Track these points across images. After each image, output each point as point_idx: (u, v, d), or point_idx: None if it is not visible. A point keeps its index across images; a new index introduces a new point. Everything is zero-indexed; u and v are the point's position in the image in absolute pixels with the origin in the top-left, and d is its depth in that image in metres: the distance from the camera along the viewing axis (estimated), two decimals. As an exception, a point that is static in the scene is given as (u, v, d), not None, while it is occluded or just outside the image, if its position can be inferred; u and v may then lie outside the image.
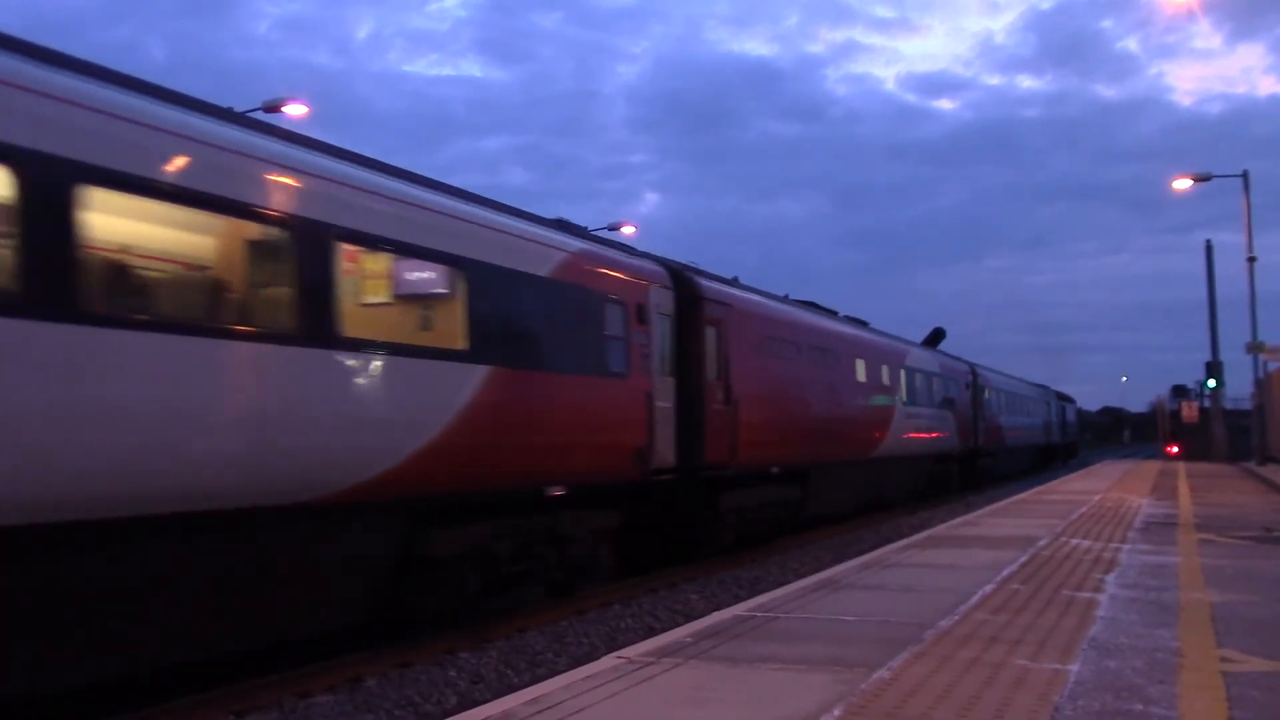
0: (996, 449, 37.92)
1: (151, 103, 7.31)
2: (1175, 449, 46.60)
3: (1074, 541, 12.45)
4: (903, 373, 25.68)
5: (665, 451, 13.56)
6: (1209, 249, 39.07)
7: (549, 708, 5.15)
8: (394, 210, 9.22)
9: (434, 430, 9.31)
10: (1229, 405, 42.47)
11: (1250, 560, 10.72)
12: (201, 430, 7.20)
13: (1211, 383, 39.05)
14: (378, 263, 9.39)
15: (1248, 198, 34.17)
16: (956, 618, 7.45)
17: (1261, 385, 35.78)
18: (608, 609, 11.91)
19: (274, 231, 8.04)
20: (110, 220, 6.87)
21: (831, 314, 23.17)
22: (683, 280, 14.84)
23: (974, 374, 34.65)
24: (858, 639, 6.78)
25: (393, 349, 9.08)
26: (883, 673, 5.76)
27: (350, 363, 8.55)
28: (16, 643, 6.42)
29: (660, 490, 13.85)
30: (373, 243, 9.04)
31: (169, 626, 7.37)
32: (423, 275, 9.80)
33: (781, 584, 10.93)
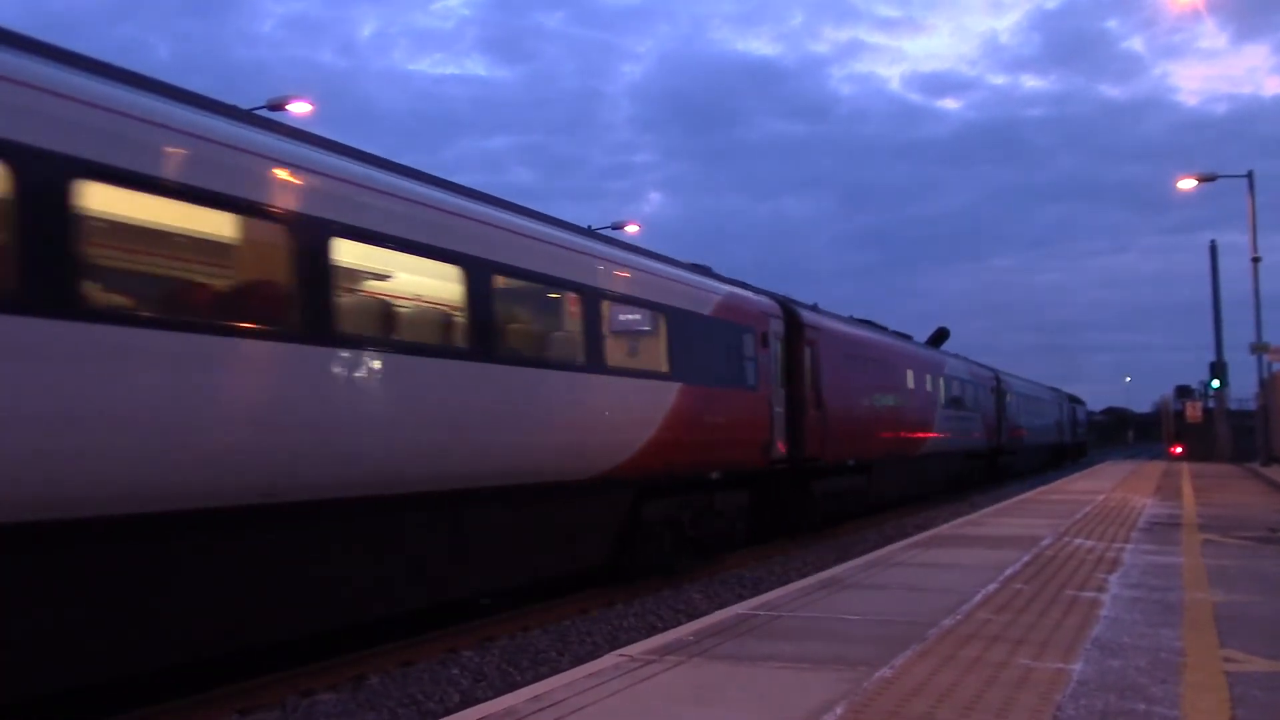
0: (1016, 448, 41.25)
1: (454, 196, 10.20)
2: (1179, 449, 46.58)
3: (1077, 541, 12.45)
4: (941, 380, 29.30)
5: (780, 446, 17.02)
6: (1213, 249, 39.07)
7: (551, 705, 5.16)
8: (630, 274, 13.01)
9: (650, 431, 12.78)
10: (1233, 406, 42.51)
11: (1254, 560, 10.71)
12: (545, 431, 10.76)
13: (1216, 383, 39.06)
14: (619, 309, 12.84)
15: (1253, 198, 34.16)
16: (959, 617, 7.45)
17: (1266, 386, 35.73)
18: (610, 608, 11.92)
19: (574, 296, 11.71)
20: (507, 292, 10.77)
21: (883, 329, 26.64)
22: (789, 310, 18.40)
23: (998, 380, 38.12)
24: (860, 638, 6.78)
25: (632, 372, 12.74)
26: (885, 671, 5.77)
27: (613, 382, 12.14)
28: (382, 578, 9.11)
29: (774, 477, 17.15)
30: (617, 298, 12.62)
31: (502, 559, 10.64)
32: (641, 317, 13.46)
33: (784, 583, 10.94)
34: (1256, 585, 8.98)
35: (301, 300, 7.98)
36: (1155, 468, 36.40)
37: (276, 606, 8.04)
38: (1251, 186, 34.26)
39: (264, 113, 18.44)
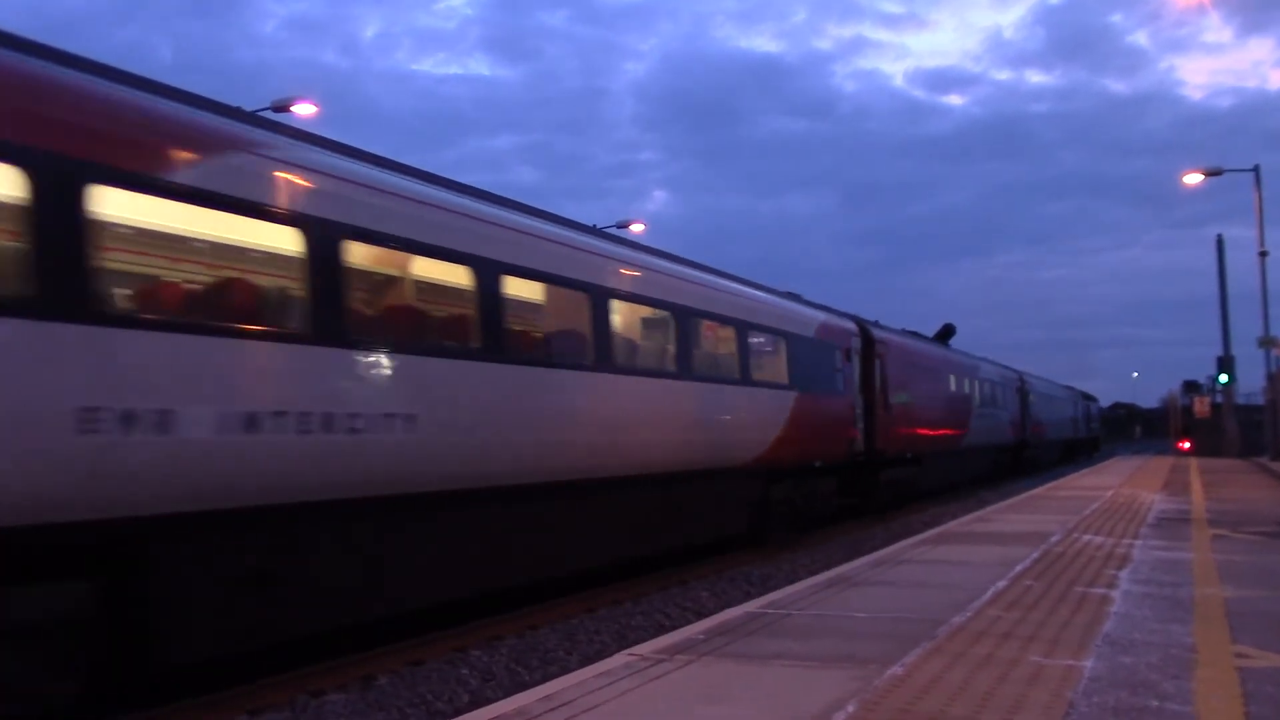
0: (1038, 442, 45.09)
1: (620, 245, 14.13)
2: (1187, 444, 46.47)
3: (1087, 537, 12.42)
4: (977, 383, 32.97)
5: (860, 442, 20.55)
6: (1220, 244, 39.00)
7: (562, 705, 5.15)
8: (758, 306, 16.64)
9: (777, 430, 16.46)
10: (1241, 400, 42.39)
11: (1264, 556, 10.67)
12: (710, 433, 14.37)
13: (1223, 378, 38.92)
14: (756, 336, 16.27)
15: (1259, 192, 34.05)
16: (969, 614, 7.43)
17: (1273, 380, 35.62)
18: (618, 606, 11.90)
19: (731, 329, 15.41)
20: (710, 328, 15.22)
21: (923, 337, 30.04)
22: (863, 328, 21.86)
23: (1022, 381, 41.84)
24: (870, 635, 6.76)
25: (768, 385, 16.43)
26: (896, 669, 5.75)
27: (756, 392, 15.95)
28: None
29: (855, 468, 20.66)
30: (758, 329, 16.31)
31: (699, 520, 14.67)
32: (769, 339, 16.97)
33: (792, 581, 10.92)
34: (1267, 580, 8.95)
35: (611, 342, 12.18)
36: (1163, 463, 36.33)
37: (581, 546, 11.87)
38: (1258, 180, 34.18)
39: (268, 114, 18.46)
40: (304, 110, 23.42)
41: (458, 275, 9.90)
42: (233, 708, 7.71)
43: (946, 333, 36.86)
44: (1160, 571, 9.51)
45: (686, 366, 13.74)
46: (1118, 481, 24.92)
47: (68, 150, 6.43)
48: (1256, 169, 34.35)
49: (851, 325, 21.18)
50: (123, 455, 6.45)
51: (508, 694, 6.91)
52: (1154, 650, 6.19)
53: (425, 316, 10.14)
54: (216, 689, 7.94)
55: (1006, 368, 39.86)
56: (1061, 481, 26.59)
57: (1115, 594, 8.26)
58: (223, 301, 7.98)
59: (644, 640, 7.69)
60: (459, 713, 7.62)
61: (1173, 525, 13.85)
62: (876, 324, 23.61)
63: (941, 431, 27.52)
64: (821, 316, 19.68)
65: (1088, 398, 75.00)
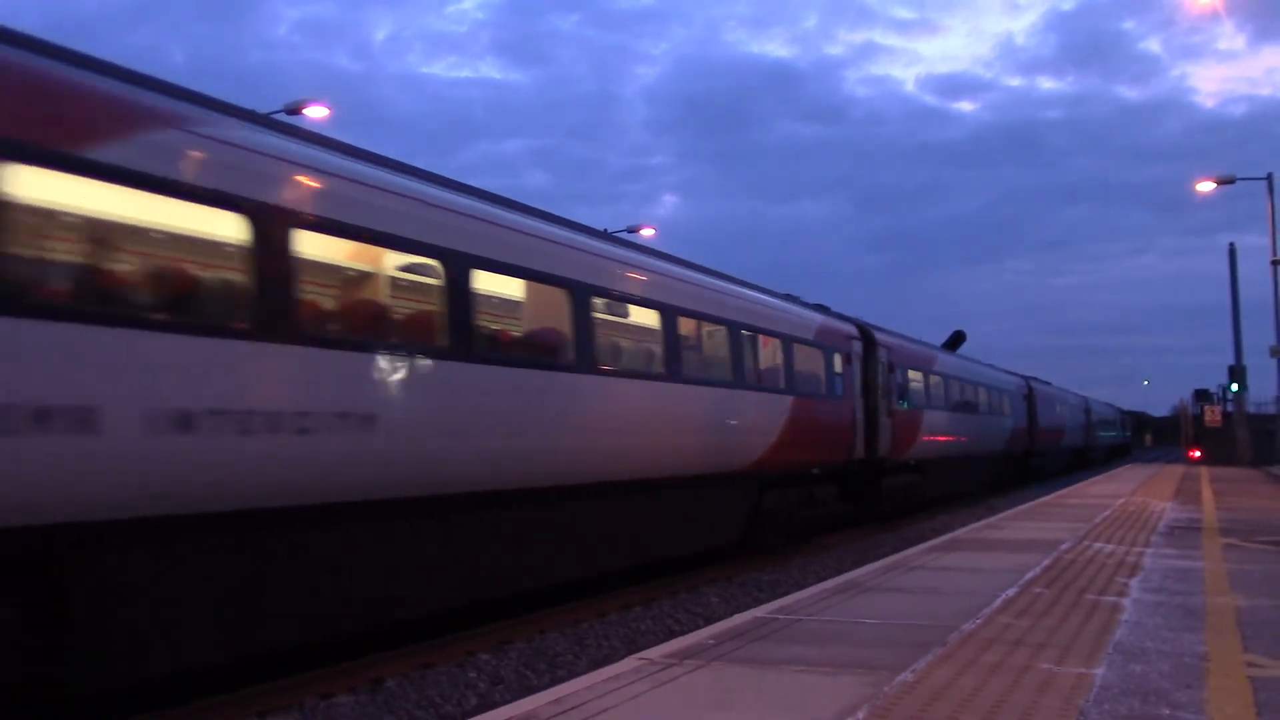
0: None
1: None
2: (1198, 453, 46.27)
3: (1097, 545, 12.38)
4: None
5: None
6: (1232, 252, 38.81)
7: (573, 708, 5.15)
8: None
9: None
10: (1252, 409, 42.18)
11: (1276, 565, 10.62)
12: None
13: (1235, 386, 38.78)
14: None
15: (1272, 200, 33.93)
16: (980, 621, 7.41)
17: (1285, 389, 35.45)
18: (628, 611, 11.89)
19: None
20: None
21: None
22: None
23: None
24: (881, 642, 6.75)
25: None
26: (907, 676, 5.74)
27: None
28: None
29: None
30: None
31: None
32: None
33: (802, 587, 10.91)
34: (1279, 590, 8.91)
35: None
36: (1174, 471, 36.18)
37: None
38: (1271, 189, 34.05)
39: (282, 117, 18.53)
40: (316, 113, 23.50)
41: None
42: (241, 710, 7.72)
43: (957, 340, 36.83)
44: (1171, 580, 9.47)
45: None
46: (1128, 490, 24.83)
47: None
48: (1269, 177, 34.23)
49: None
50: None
51: (516, 697, 6.91)
52: (1165, 659, 6.17)
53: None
54: (225, 691, 7.96)
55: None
56: (1072, 489, 26.50)
57: (1126, 602, 8.23)
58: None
59: (654, 645, 7.68)
60: (467, 715, 7.63)
61: (1184, 534, 13.79)
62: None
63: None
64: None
65: (1124, 412, 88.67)
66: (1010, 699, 5.23)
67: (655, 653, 6.54)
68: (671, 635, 9.82)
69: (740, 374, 15.08)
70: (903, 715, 4.95)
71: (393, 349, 8.57)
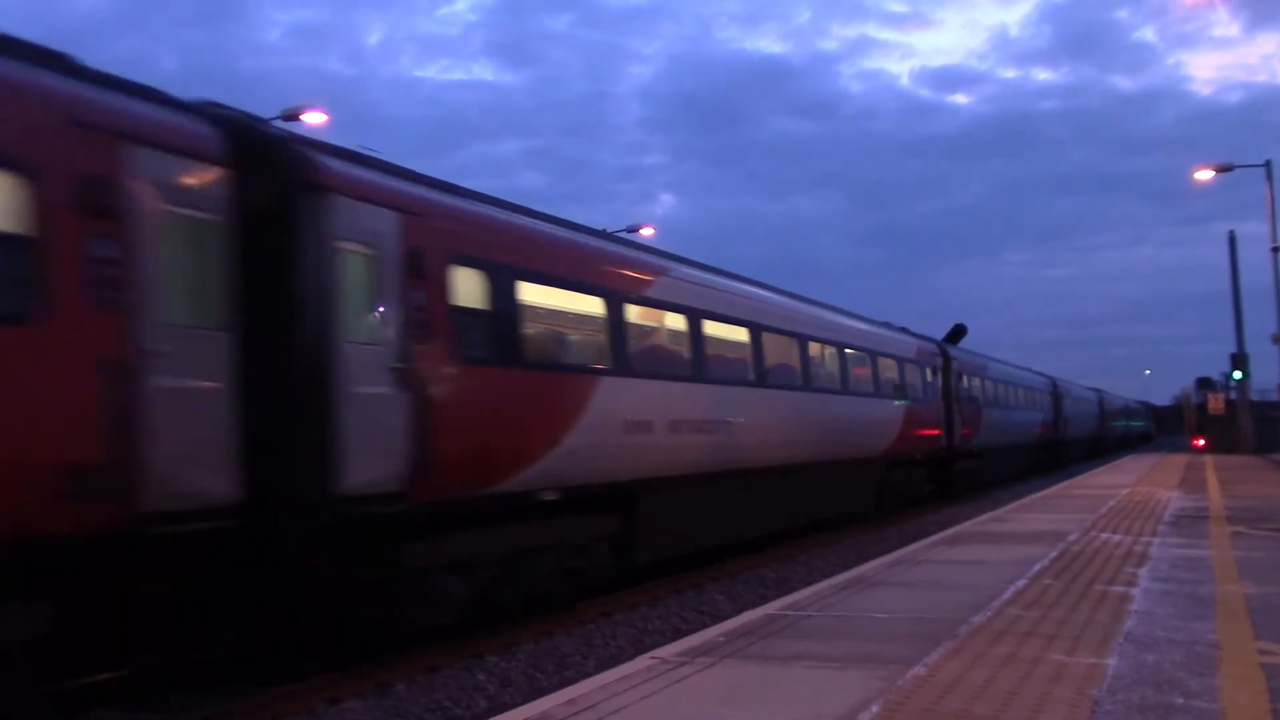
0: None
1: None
2: (1201, 442, 46.24)
3: (1104, 536, 12.35)
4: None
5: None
6: (1232, 240, 38.78)
7: (586, 709, 5.13)
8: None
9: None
10: (1255, 397, 42.12)
11: (1284, 552, 10.60)
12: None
13: (1237, 374, 38.74)
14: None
15: (1270, 187, 33.87)
16: (989, 613, 7.39)
17: (1288, 376, 35.39)
18: (634, 610, 11.88)
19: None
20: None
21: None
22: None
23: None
24: (891, 636, 6.73)
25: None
26: (918, 669, 5.72)
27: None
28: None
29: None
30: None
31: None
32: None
33: (809, 583, 10.88)
34: (1288, 576, 8.88)
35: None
36: (1178, 460, 36.17)
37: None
38: (1270, 175, 33.98)
39: (278, 123, 18.50)
40: (314, 118, 23.48)
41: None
42: (252, 715, 7.71)
43: (958, 333, 36.72)
44: (1180, 569, 9.45)
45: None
46: (1133, 480, 24.81)
47: None
48: (1268, 164, 34.17)
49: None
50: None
51: (526, 699, 6.90)
52: (1177, 648, 6.15)
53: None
54: (235, 696, 7.94)
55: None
56: (1076, 480, 26.48)
57: (1135, 592, 8.21)
58: None
59: (661, 644, 7.67)
60: (477, 718, 7.63)
61: (1191, 522, 13.77)
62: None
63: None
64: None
65: (1140, 404, 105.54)
66: (1023, 690, 5.21)
67: (666, 651, 6.53)
68: (678, 634, 9.80)
69: (878, 386, 21.37)
70: (916, 708, 4.93)
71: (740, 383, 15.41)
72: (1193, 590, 8.25)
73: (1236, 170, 34.93)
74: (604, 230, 16.61)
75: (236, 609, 8.20)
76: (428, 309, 9.20)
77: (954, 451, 26.93)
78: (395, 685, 8.61)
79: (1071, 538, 12.17)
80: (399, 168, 9.92)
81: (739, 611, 9.28)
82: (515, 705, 6.39)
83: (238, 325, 7.80)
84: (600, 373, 11.84)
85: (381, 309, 8.83)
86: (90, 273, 6.75)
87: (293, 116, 22.92)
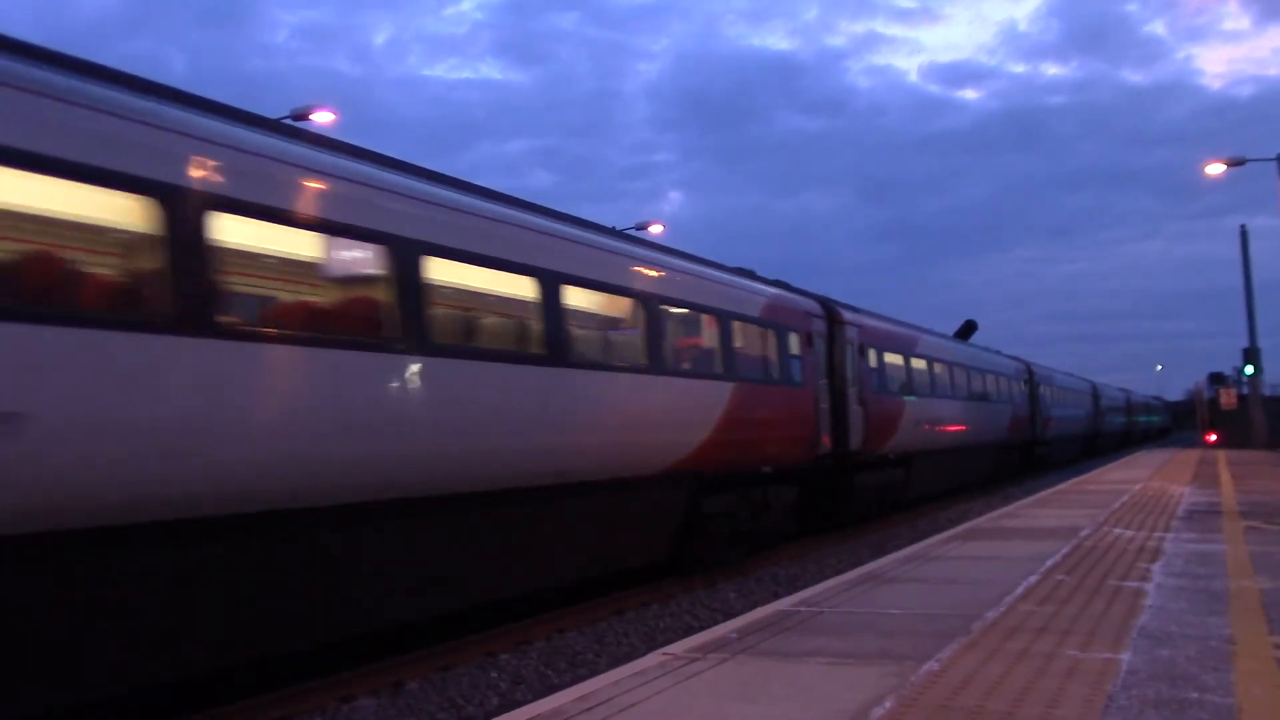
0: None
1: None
2: (1214, 437, 46.07)
3: (1117, 531, 12.31)
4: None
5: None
6: (1244, 234, 38.58)
7: (598, 705, 5.13)
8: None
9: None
10: (1268, 392, 41.96)
11: (1299, 546, 10.55)
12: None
13: (1250, 369, 38.55)
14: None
15: (1282, 181, 33.68)
16: (1003, 609, 7.37)
17: (1301, 370, 35.23)
18: (646, 608, 11.88)
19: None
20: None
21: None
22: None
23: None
24: (904, 632, 6.72)
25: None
26: (932, 665, 5.71)
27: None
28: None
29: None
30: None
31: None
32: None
33: (821, 579, 10.87)
34: (1303, 571, 8.85)
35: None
36: (1191, 456, 36.03)
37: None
38: (1281, 169, 33.81)
39: (289, 122, 18.54)
40: (323, 118, 23.51)
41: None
42: (263, 714, 7.72)
43: (968, 329, 36.67)
44: (1193, 564, 9.41)
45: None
46: (1146, 475, 24.72)
47: None
48: (1279, 158, 34.03)
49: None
50: None
51: (538, 696, 6.90)
52: (1191, 643, 6.12)
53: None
54: (247, 696, 7.96)
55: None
56: (1089, 476, 26.40)
57: (1149, 587, 8.18)
58: None
59: (673, 641, 7.66)
60: (489, 716, 7.62)
61: (1204, 518, 13.72)
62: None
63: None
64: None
65: (1155, 399, 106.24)
66: (1037, 685, 5.20)
67: (678, 647, 6.52)
68: (690, 631, 9.79)
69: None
70: (930, 704, 4.92)
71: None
72: (1206, 585, 8.21)
73: (1249, 164, 34.77)
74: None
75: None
76: (864, 369, 19.47)
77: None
78: (408, 683, 8.62)
79: (1084, 533, 12.13)
80: (852, 305, 20.86)
81: (751, 608, 9.27)
82: (527, 702, 6.39)
83: (825, 379, 17.79)
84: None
85: (851, 370, 18.83)
86: (811, 366, 17.04)
87: (302, 116, 22.95)
